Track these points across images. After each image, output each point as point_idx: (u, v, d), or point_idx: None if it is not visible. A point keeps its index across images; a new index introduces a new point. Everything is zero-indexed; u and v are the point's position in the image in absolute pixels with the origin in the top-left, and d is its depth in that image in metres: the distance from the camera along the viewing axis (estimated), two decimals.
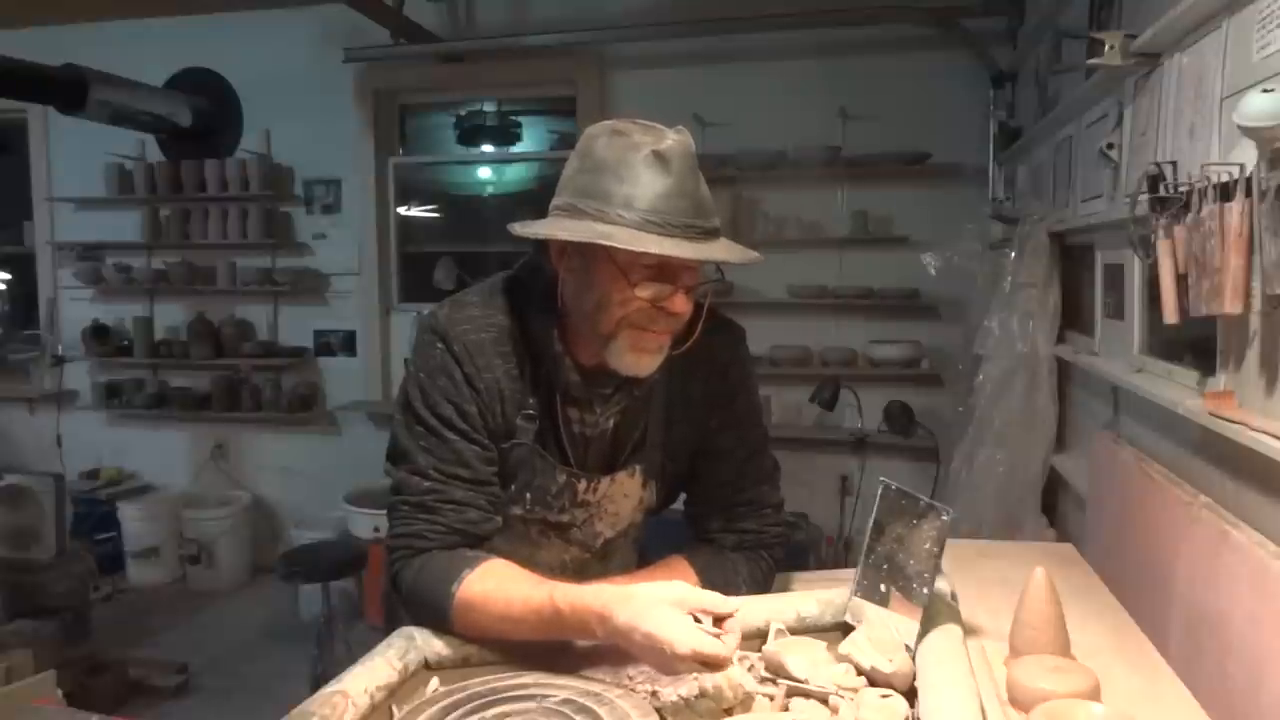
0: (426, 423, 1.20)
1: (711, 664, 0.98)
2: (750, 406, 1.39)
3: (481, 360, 1.21)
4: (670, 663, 0.99)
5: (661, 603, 1.01)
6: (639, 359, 1.17)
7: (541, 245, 1.22)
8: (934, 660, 1.02)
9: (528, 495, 1.27)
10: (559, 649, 1.11)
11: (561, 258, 1.18)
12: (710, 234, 1.12)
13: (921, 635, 1.07)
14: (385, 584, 1.27)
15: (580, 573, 1.31)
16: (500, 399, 1.22)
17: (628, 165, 1.10)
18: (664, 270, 1.12)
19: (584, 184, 1.12)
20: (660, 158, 1.10)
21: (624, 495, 1.32)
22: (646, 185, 1.09)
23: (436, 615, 1.14)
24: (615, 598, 1.04)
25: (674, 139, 1.12)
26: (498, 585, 1.13)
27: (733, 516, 1.35)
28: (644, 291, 1.12)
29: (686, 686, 1.05)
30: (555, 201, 1.17)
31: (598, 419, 1.27)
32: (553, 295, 1.23)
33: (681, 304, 1.14)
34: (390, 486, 1.24)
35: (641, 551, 1.46)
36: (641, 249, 1.07)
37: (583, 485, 1.28)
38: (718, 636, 0.99)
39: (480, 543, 1.22)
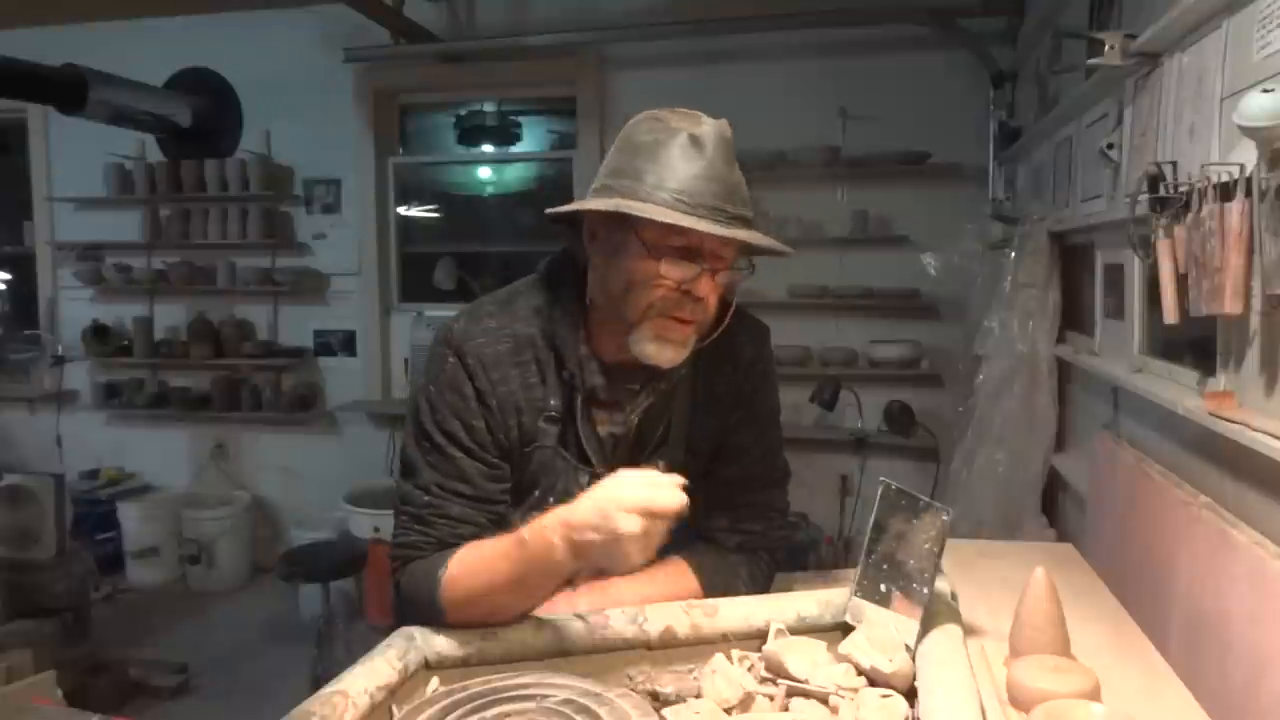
0: (432, 438, 1.20)
1: (660, 515, 0.99)
2: (770, 406, 1.39)
3: (497, 374, 1.20)
4: (621, 543, 0.98)
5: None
6: (661, 349, 1.17)
7: (576, 234, 1.23)
8: (934, 660, 1.02)
9: (551, 500, 1.25)
10: (558, 649, 1.11)
11: (593, 240, 1.19)
12: (740, 220, 1.12)
13: (921, 635, 1.07)
14: (393, 595, 1.27)
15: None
16: (517, 411, 1.22)
17: (662, 147, 1.11)
18: (690, 252, 1.12)
19: (618, 165, 1.14)
20: (694, 141, 1.11)
21: None
22: (678, 168, 1.10)
23: (428, 604, 1.13)
24: (566, 506, 1.05)
25: (710, 124, 1.13)
26: (475, 552, 1.14)
27: (739, 516, 1.34)
28: (670, 270, 1.12)
29: (687, 686, 1.05)
30: (593, 185, 1.18)
31: (627, 417, 1.26)
32: (582, 287, 1.23)
33: (707, 287, 1.14)
34: (398, 496, 1.25)
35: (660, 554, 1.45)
36: (665, 220, 1.07)
37: None
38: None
39: None
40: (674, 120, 1.14)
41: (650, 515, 0.98)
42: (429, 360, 1.25)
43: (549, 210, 1.21)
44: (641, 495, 0.99)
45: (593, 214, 1.16)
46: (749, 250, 1.19)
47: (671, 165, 1.10)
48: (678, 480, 1.02)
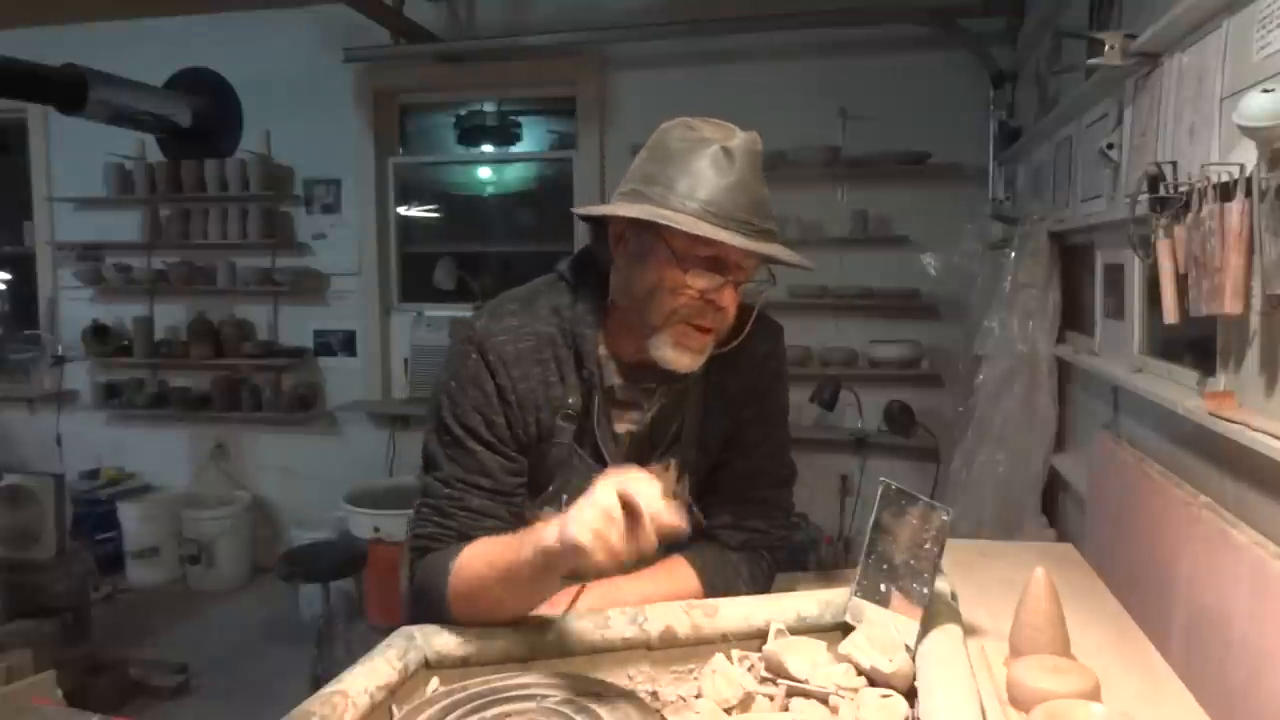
0: (452, 432, 1.22)
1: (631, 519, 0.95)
2: (780, 405, 1.41)
3: (518, 371, 1.21)
4: (577, 552, 0.95)
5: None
6: (680, 355, 1.18)
7: (599, 234, 1.24)
8: (934, 660, 1.02)
9: (564, 497, 1.26)
10: (558, 649, 1.11)
11: (619, 243, 1.20)
12: (766, 234, 1.14)
13: (921, 635, 1.07)
14: (405, 587, 1.28)
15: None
16: (536, 408, 1.23)
17: (694, 158, 1.13)
18: (716, 263, 1.14)
19: (650, 172, 1.15)
20: (727, 154, 1.12)
21: None
22: (709, 179, 1.12)
23: (439, 596, 1.14)
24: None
25: (742, 137, 1.15)
26: (482, 545, 1.14)
27: (743, 513, 1.35)
28: (696, 280, 1.14)
29: (687, 686, 1.05)
30: (620, 188, 1.19)
31: (644, 415, 1.28)
32: (603, 288, 1.24)
33: (730, 298, 1.16)
34: (419, 488, 1.26)
35: (669, 550, 1.44)
36: (698, 233, 1.09)
37: None
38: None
39: None
40: (707, 130, 1.15)
41: (610, 521, 0.94)
42: (450, 356, 1.26)
43: (576, 209, 1.23)
44: (603, 502, 0.95)
45: (621, 218, 1.17)
46: (769, 260, 1.20)
47: (703, 176, 1.12)
48: (662, 485, 0.98)
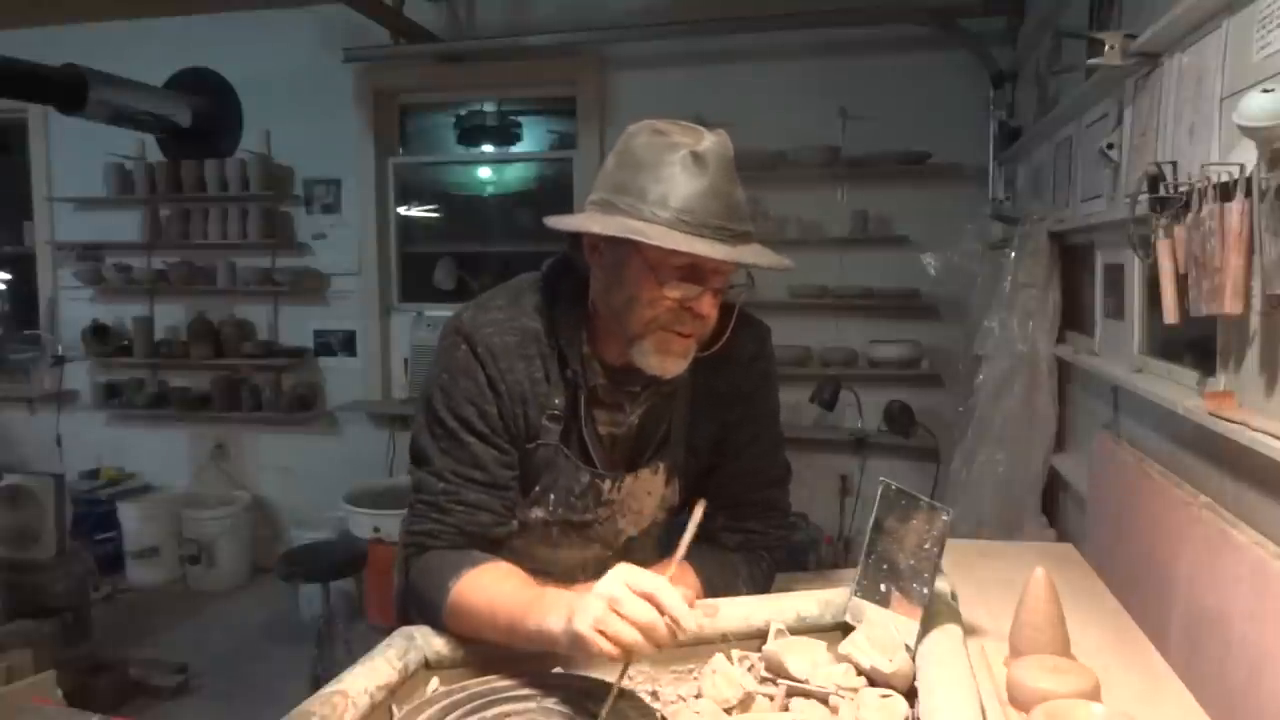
0: (445, 424, 1.21)
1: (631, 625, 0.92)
2: (770, 406, 1.40)
3: (505, 363, 1.21)
4: (578, 642, 0.94)
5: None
6: (664, 361, 1.17)
7: (575, 241, 1.23)
8: (934, 660, 1.02)
9: (551, 496, 1.27)
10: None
11: (594, 253, 1.19)
12: (742, 237, 1.12)
13: (921, 635, 1.07)
14: (398, 583, 1.27)
15: (601, 572, 1.30)
16: (523, 402, 1.22)
17: (664, 164, 1.10)
18: (693, 271, 1.12)
19: (620, 180, 1.13)
20: (697, 158, 1.10)
21: (647, 493, 1.33)
22: (681, 185, 1.09)
23: (432, 610, 1.14)
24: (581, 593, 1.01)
25: (712, 140, 1.12)
26: (491, 579, 1.12)
27: (739, 515, 1.35)
28: (672, 291, 1.12)
29: (687, 686, 1.05)
30: (591, 197, 1.17)
31: (627, 418, 1.27)
32: (583, 293, 1.23)
33: (709, 306, 1.15)
34: (411, 484, 1.25)
35: (662, 552, 1.45)
36: (671, 246, 1.07)
37: (607, 485, 1.28)
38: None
39: (492, 546, 1.21)
40: (676, 134, 1.12)
41: (612, 615, 0.93)
42: (439, 351, 1.25)
43: (549, 220, 1.20)
44: (608, 592, 0.94)
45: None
46: (746, 265, 1.18)
47: (674, 183, 1.09)
48: (678, 594, 0.95)
